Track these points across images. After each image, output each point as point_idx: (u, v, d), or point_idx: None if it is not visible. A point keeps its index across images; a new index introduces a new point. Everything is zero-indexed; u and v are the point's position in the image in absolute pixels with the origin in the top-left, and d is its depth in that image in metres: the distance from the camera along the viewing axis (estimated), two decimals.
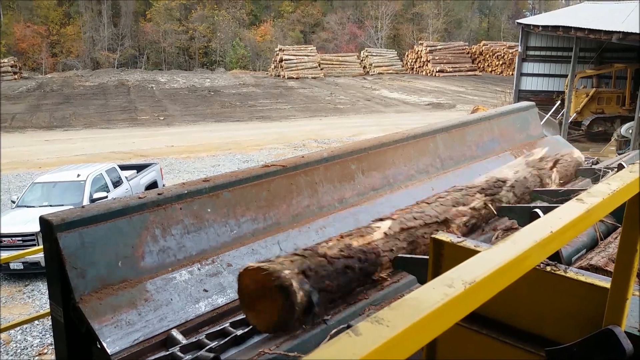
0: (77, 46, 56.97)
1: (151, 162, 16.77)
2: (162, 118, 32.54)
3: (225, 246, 3.60)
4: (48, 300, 9.12)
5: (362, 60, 53.48)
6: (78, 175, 12.72)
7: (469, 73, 51.23)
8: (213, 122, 31.27)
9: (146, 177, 14.63)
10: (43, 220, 2.97)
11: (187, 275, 3.37)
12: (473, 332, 1.85)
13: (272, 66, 51.40)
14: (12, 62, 47.00)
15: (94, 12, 58.39)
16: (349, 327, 1.57)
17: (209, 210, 3.65)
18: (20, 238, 10.97)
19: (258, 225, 3.81)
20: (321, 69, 50.33)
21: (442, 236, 2.01)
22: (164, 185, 11.96)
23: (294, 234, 3.93)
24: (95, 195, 11.98)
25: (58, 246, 2.88)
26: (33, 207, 11.99)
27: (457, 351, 1.89)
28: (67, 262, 2.88)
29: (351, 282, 2.99)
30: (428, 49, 52.49)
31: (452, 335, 1.83)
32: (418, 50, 53.36)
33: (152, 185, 14.13)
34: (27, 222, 11.13)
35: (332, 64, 51.81)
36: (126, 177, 13.86)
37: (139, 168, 15.26)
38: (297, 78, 47.91)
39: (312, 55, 51.00)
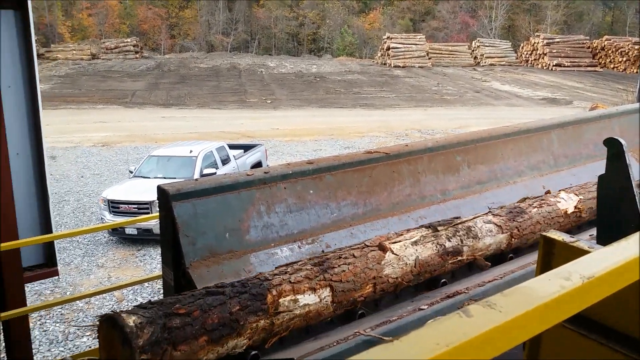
0: (193, 29, 59.91)
1: (257, 143, 17.37)
2: (269, 101, 33.50)
3: (325, 227, 3.66)
4: (158, 265, 9.79)
5: (473, 51, 51.71)
6: (190, 151, 13.46)
7: (589, 69, 47.89)
8: (317, 108, 31.73)
9: (252, 157, 15.19)
10: (160, 190, 3.19)
11: (288, 252, 3.48)
12: (581, 336, 1.76)
13: (379, 54, 51.07)
14: (135, 42, 50.24)
15: None
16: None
17: (311, 191, 3.73)
18: (135, 206, 11.83)
19: (358, 210, 3.84)
20: (429, 58, 49.30)
21: (554, 235, 1.93)
22: (267, 166, 12.36)
23: (393, 221, 3.93)
24: (205, 171, 12.63)
25: (173, 214, 3.08)
26: (148, 178, 12.87)
27: (561, 354, 1.81)
28: (180, 230, 3.07)
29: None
30: (545, 41, 49.64)
31: (557, 335, 1.76)
32: (534, 42, 50.62)
33: (257, 165, 14.65)
34: (142, 191, 11.98)
35: (441, 54, 50.55)
36: (234, 156, 14.47)
37: (246, 148, 15.87)
38: (403, 67, 47.30)
39: (421, 44, 50.06)
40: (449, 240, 3.27)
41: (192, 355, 2.22)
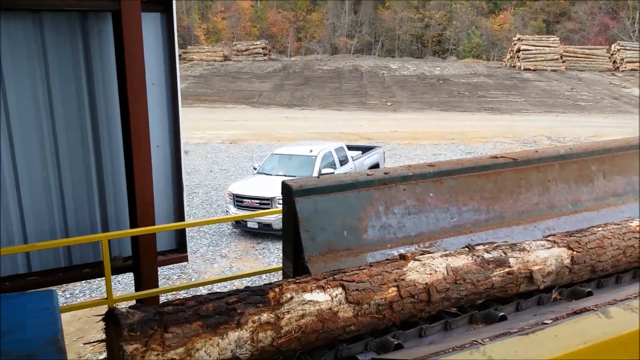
0: (319, 32, 61.36)
1: (375, 145, 17.40)
2: (389, 104, 33.41)
3: (443, 232, 3.59)
4: (275, 259, 10.08)
5: (612, 54, 47.78)
6: (311, 151, 13.81)
7: None
8: (439, 111, 31.09)
9: (370, 158, 15.25)
10: (285, 185, 3.31)
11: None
12: None
13: (508, 56, 48.90)
14: (264, 44, 52.45)
15: (337, 0, 62.12)
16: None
17: (431, 194, 3.67)
18: (258, 201, 12.35)
19: (480, 217, 3.72)
20: (563, 62, 46.34)
21: None
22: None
23: (518, 230, 3.75)
24: (324, 171, 12.89)
25: (295, 209, 3.18)
26: (270, 175, 13.39)
27: None
28: (301, 225, 3.17)
29: None
30: None
31: None
32: None
33: (375, 167, 14.68)
34: (264, 188, 12.49)
35: (576, 57, 47.29)
36: (352, 157, 14.62)
37: (364, 150, 15.97)
38: (534, 70, 44.89)
39: (554, 46, 47.19)
40: (488, 253, 2.97)
41: (186, 340, 2.13)
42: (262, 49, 51.59)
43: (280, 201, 11.63)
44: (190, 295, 2.40)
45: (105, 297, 4.37)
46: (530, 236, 3.67)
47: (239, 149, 22.64)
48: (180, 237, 5.48)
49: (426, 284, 2.71)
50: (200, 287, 9.37)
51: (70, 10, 4.53)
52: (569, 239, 3.21)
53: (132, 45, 4.45)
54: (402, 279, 2.68)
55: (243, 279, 9.57)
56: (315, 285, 2.50)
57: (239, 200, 12.64)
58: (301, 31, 62.35)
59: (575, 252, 3.15)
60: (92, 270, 5.11)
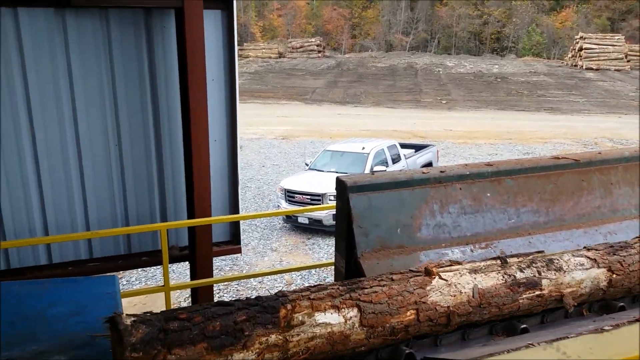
0: (374, 29, 61.04)
1: (429, 143, 17.18)
2: (444, 102, 32.90)
3: (501, 233, 3.51)
4: (325, 255, 10.10)
5: None
6: (363, 148, 13.79)
7: None
8: (496, 110, 30.38)
9: (423, 157, 15.08)
10: (339, 181, 3.32)
11: (459, 254, 3.40)
12: None
13: (570, 55, 47.24)
14: (318, 41, 52.62)
15: None
16: None
17: (488, 194, 3.60)
18: (309, 197, 12.44)
19: (539, 218, 3.62)
20: (628, 61, 44.36)
21: None
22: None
23: (578, 234, 3.63)
24: (375, 168, 12.84)
25: (349, 205, 3.19)
26: (322, 171, 13.45)
27: None
28: (355, 221, 3.18)
29: None
30: None
31: None
32: None
33: (428, 166, 14.49)
34: (316, 183, 12.57)
35: None
36: (404, 155, 14.50)
37: (417, 148, 15.80)
38: (597, 69, 43.19)
39: (619, 45, 45.23)
40: (521, 271, 2.74)
41: None
42: (317, 46, 51.78)
43: (332, 197, 11.70)
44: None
45: (162, 284, 4.50)
46: (590, 240, 3.55)
47: (291, 144, 22.84)
48: (234, 229, 5.59)
49: (448, 307, 2.52)
50: (252, 279, 9.55)
51: (136, 7, 4.68)
52: (611, 257, 2.93)
53: (194, 41, 4.57)
54: (424, 302, 2.49)
55: (293, 272, 9.69)
56: (329, 304, 2.34)
57: (290, 196, 12.76)
58: (356, 28, 62.20)
59: (615, 275, 2.90)
60: (150, 259, 5.28)
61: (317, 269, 9.42)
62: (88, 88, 4.81)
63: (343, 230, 3.30)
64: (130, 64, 4.90)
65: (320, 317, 2.28)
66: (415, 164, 14.36)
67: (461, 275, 2.62)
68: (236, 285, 9.48)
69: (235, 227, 5.58)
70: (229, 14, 5.05)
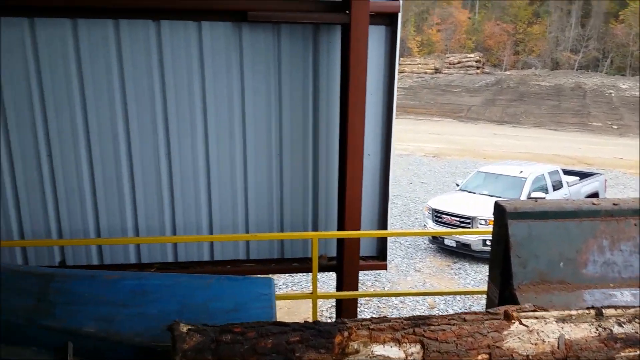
0: (539, 45, 57.82)
1: (595, 172, 15.80)
2: (615, 127, 30.10)
3: None
4: (471, 281, 9.68)
5: None
6: (521, 172, 13.06)
7: None
8: None
9: (588, 186, 13.89)
10: (497, 206, 3.18)
11: (630, 297, 3.08)
12: None
13: None
14: (477, 57, 51.07)
15: (562, 12, 57.93)
16: None
17: None
18: (458, 219, 12.06)
19: None
20: None
21: None
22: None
23: None
24: (533, 195, 12.09)
25: (507, 232, 3.04)
26: (473, 193, 12.98)
27: None
28: (513, 249, 3.02)
29: None
30: None
31: None
32: None
33: (593, 196, 13.32)
34: (467, 206, 12.15)
35: None
36: (567, 183, 13.48)
37: (582, 176, 14.60)
38: None
39: None
40: (620, 326, 2.38)
41: None
42: (476, 62, 50.33)
43: (482, 222, 11.21)
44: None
45: (311, 291, 4.64)
46: None
47: (441, 163, 22.41)
48: (381, 245, 5.60)
49: (527, 356, 2.27)
50: (393, 298, 9.48)
51: (307, 23, 4.93)
52: None
53: (358, 57, 4.68)
54: (498, 347, 2.27)
55: (437, 296, 9.44)
56: (390, 336, 2.21)
57: (438, 216, 12.48)
58: (519, 44, 59.45)
59: None
60: (300, 265, 5.48)
61: (463, 295, 9.09)
62: (257, 98, 5.15)
63: (499, 258, 3.15)
64: (296, 76, 5.15)
65: (378, 349, 2.18)
66: (579, 193, 13.27)
67: (546, 323, 2.39)
68: (377, 302, 9.47)
69: (382, 243, 5.59)
70: (393, 30, 5.10)
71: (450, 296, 9.53)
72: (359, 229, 5.06)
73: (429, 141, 26.90)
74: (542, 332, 2.35)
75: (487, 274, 3.41)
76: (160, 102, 5.04)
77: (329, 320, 2.39)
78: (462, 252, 11.74)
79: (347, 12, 4.74)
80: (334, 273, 5.49)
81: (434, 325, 2.30)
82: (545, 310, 2.47)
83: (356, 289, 5.17)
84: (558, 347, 2.31)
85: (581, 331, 2.38)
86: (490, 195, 12.35)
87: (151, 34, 4.89)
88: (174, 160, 5.17)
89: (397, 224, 14.39)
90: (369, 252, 5.61)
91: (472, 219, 11.71)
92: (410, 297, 9.29)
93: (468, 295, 8.84)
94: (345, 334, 2.17)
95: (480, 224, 11.51)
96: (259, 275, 4.78)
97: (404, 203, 16.48)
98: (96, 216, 5.22)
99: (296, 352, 2.09)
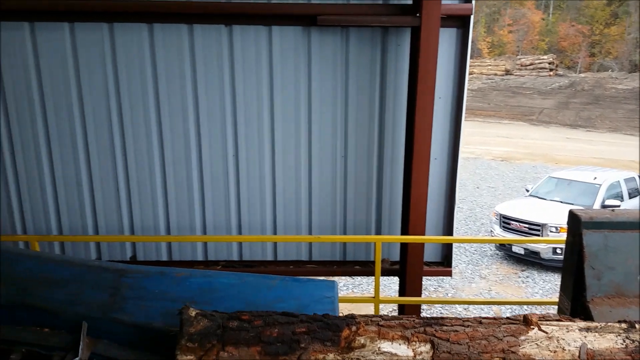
0: (617, 47, 55.00)
1: None
2: None
3: None
4: (540, 290, 9.33)
5: None
6: (595, 178, 12.50)
7: None
8: None
9: None
10: (572, 214, 3.05)
11: None
12: None
13: None
14: (551, 59, 49.14)
15: None
16: None
17: None
18: (527, 225, 11.67)
19: None
20: None
21: None
22: None
23: None
24: (607, 202, 11.54)
25: (581, 242, 2.91)
26: (544, 199, 12.52)
27: None
28: (586, 260, 2.89)
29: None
30: None
31: None
32: None
33: None
34: (537, 212, 11.74)
35: None
36: None
37: None
38: None
39: None
40: None
41: None
42: (549, 63, 48.45)
43: (553, 229, 10.81)
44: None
45: (372, 295, 4.63)
46: None
47: (510, 167, 21.74)
48: (446, 251, 5.50)
49: None
50: (457, 305, 9.28)
51: (376, 26, 4.92)
52: None
53: (427, 60, 4.62)
54: (513, 352, 2.15)
55: (502, 305, 9.17)
56: (399, 334, 2.15)
57: (505, 222, 12.13)
58: (595, 46, 56.81)
59: None
60: (362, 268, 5.47)
61: (532, 305, 8.78)
62: (323, 100, 5.19)
63: (571, 268, 3.02)
64: (363, 79, 5.15)
65: (385, 346, 2.12)
66: None
67: (568, 331, 2.24)
68: (440, 309, 9.31)
69: (447, 248, 5.48)
70: (464, 32, 5.01)
71: (517, 306, 9.23)
72: (424, 234, 4.99)
73: (498, 144, 26.16)
74: (563, 339, 2.23)
75: (558, 283, 3.28)
76: (229, 104, 5.18)
77: None
78: (531, 260, 11.35)
79: (418, 15, 4.69)
80: (397, 277, 5.44)
81: (446, 325, 2.23)
82: (572, 320, 2.35)
83: (419, 294, 5.10)
84: (579, 356, 2.19)
85: (606, 342, 2.25)
86: (562, 202, 11.90)
87: (223, 39, 5.03)
88: (241, 161, 5.29)
89: (462, 229, 14.09)
90: (433, 257, 5.52)
91: (542, 226, 11.31)
92: (475, 305, 9.07)
93: (536, 306, 8.53)
94: (353, 328, 2.14)
95: (551, 232, 11.09)
96: (321, 277, 4.81)
97: (469, 208, 16.11)
98: (166, 214, 5.42)
99: (301, 342, 2.09)
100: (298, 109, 5.20)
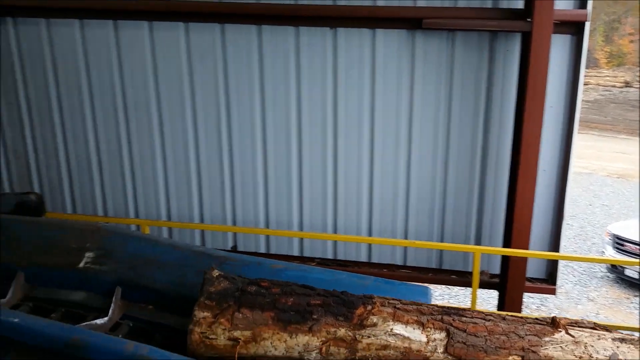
0: None
1: None
2: None
3: None
4: None
5: None
6: None
7: None
8: None
9: None
10: None
11: None
12: None
13: None
14: None
15: None
16: None
17: None
18: None
19: None
20: None
21: None
22: None
23: None
24: None
25: None
26: None
27: None
28: None
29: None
30: None
31: None
32: None
33: None
34: None
35: None
36: None
37: None
38: None
39: None
40: None
41: (254, 326, 2.11)
42: None
43: None
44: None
45: (469, 307, 4.47)
46: None
47: (627, 185, 20.17)
48: (551, 268, 5.20)
49: None
50: None
51: (484, 30, 4.77)
52: None
53: (538, 67, 4.41)
54: (534, 351, 2.01)
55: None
56: (415, 318, 2.11)
57: (619, 243, 11.26)
58: None
59: None
60: (458, 278, 5.31)
61: None
62: (425, 104, 5.11)
63: None
64: (468, 84, 5.01)
65: (398, 328, 2.10)
66: None
67: (599, 339, 2.06)
68: None
69: (552, 265, 5.18)
70: (579, 39, 4.72)
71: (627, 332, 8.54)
72: (527, 248, 4.75)
73: (614, 160, 24.38)
74: (592, 346, 2.06)
75: None
76: (331, 106, 5.25)
77: None
78: None
79: (529, 19, 4.49)
80: (495, 291, 5.22)
81: (466, 317, 2.16)
82: (608, 331, 2.15)
83: (519, 310, 4.87)
84: None
85: None
86: None
87: (328, 42, 5.11)
88: (340, 161, 5.35)
89: (571, 247, 13.27)
90: (536, 273, 5.25)
91: None
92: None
93: None
94: (369, 307, 2.17)
95: None
96: (418, 283, 4.73)
97: (580, 225, 15.15)
98: (266, 208, 5.60)
99: (314, 314, 2.13)
100: (399, 113, 5.16)
